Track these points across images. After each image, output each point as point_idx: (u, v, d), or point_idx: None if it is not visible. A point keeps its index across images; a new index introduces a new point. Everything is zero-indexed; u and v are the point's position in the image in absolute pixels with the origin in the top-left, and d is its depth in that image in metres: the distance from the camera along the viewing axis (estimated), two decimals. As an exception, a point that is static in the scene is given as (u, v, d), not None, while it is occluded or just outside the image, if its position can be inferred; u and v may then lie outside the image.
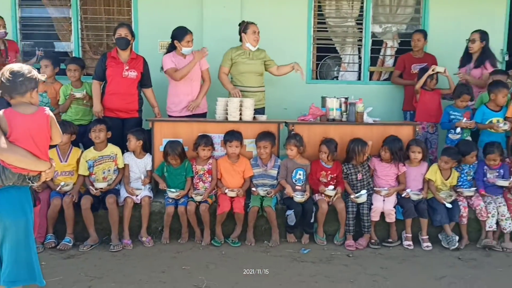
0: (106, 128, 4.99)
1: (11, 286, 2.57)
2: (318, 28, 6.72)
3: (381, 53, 6.87)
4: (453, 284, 4.03)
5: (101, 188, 4.84)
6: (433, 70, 5.82)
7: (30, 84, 2.53)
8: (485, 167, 5.16)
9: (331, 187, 4.95)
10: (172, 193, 4.87)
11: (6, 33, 5.83)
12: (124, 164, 5.04)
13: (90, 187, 4.84)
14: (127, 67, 5.31)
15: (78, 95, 5.37)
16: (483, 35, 5.86)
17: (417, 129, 5.39)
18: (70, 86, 5.47)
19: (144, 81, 5.48)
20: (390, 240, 4.95)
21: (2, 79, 2.50)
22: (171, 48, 5.61)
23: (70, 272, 4.01)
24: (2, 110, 2.46)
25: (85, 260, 4.35)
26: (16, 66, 2.57)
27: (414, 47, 6.35)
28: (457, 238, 4.88)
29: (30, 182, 2.57)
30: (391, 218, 4.93)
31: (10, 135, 2.42)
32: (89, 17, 6.42)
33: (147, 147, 5.15)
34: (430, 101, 5.87)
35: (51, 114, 2.67)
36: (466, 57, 6.00)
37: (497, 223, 4.93)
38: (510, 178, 5.05)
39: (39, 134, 2.59)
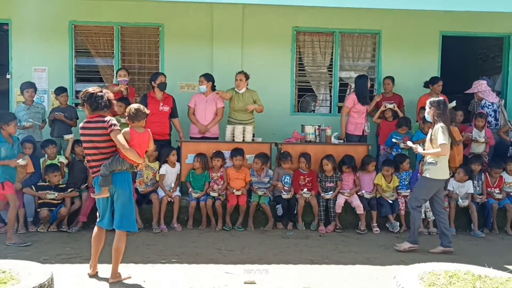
0: None
1: (118, 229, 4.50)
2: (299, 73, 8.83)
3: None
4: (388, 248, 6.04)
5: (142, 191, 6.79)
6: (385, 107, 7.87)
7: (143, 116, 4.51)
8: (418, 174, 7.20)
9: (306, 189, 6.91)
10: (196, 194, 6.83)
11: (126, 81, 7.31)
12: (161, 175, 6.92)
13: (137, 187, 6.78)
14: (162, 104, 7.29)
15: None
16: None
17: (369, 148, 7.46)
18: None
19: (173, 113, 7.44)
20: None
21: (130, 112, 4.49)
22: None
23: (131, 242, 5.82)
24: (128, 128, 4.45)
25: (137, 236, 6.21)
26: (137, 105, 4.56)
27: (386, 89, 8.22)
28: (398, 224, 6.88)
29: (133, 169, 4.54)
30: (360, 210, 6.87)
31: (129, 143, 4.41)
32: (126, 65, 8.35)
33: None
34: (389, 129, 7.78)
35: (151, 133, 4.63)
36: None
37: (425, 214, 6.97)
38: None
39: (143, 144, 4.54)
